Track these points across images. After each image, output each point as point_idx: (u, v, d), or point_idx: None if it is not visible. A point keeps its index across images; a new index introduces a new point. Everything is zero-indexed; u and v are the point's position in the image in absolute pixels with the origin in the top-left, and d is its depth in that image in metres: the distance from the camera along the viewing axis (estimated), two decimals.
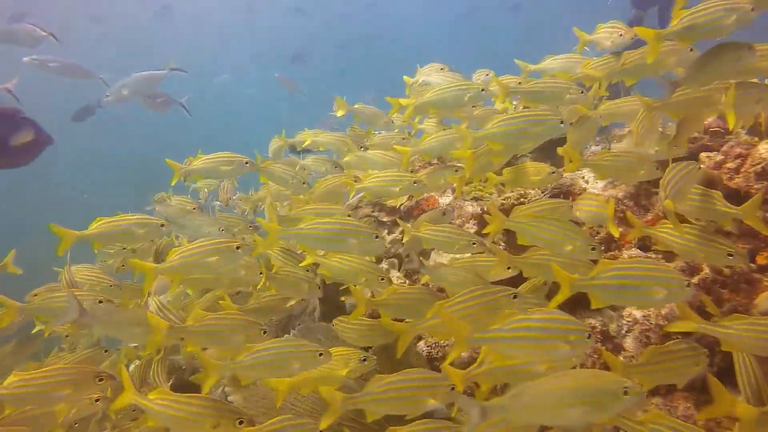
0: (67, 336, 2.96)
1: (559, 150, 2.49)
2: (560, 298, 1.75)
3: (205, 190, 3.82)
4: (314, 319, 3.50)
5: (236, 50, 22.83)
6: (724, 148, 2.74)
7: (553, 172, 2.66)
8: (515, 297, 1.91)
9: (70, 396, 1.98)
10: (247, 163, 2.80)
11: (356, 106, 3.36)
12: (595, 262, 1.92)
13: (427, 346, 2.87)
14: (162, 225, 2.43)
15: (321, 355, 1.94)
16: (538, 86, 2.60)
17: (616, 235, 2.36)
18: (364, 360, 2.22)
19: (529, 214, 2.37)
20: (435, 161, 3.83)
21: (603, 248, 2.41)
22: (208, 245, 2.16)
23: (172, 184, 2.94)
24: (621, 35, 2.60)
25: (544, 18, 21.57)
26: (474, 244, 2.34)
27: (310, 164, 3.13)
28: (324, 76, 19.45)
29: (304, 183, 2.99)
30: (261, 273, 2.55)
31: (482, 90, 2.63)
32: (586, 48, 2.80)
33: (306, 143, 3.12)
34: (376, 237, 2.14)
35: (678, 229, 1.97)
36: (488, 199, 3.59)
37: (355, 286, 2.32)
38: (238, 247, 2.16)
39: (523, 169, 2.70)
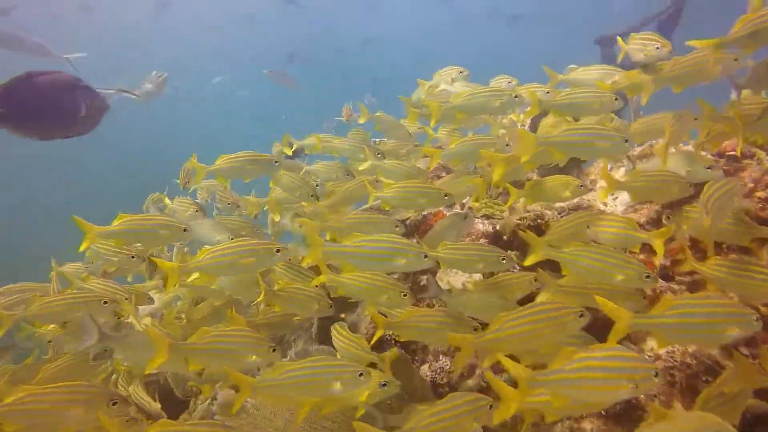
0: (50, 342, 2.76)
1: (594, 173, 2.32)
2: (616, 336, 1.60)
3: (205, 192, 3.60)
4: (311, 335, 3.29)
5: (235, 50, 22.58)
6: (754, 174, 2.59)
7: (582, 186, 2.48)
8: (581, 315, 1.72)
9: (79, 416, 1.81)
10: (276, 162, 2.65)
11: (378, 114, 3.16)
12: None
13: (431, 371, 2.71)
14: (185, 230, 2.32)
15: (362, 375, 1.79)
16: (572, 97, 2.42)
17: (660, 253, 2.16)
18: (384, 385, 2.03)
19: (563, 234, 2.19)
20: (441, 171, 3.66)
21: None
22: (246, 246, 2.03)
23: (198, 183, 2.84)
24: (657, 48, 2.43)
25: (542, 30, 21.62)
26: (504, 260, 2.14)
27: (320, 170, 2.93)
28: (322, 78, 19.30)
29: (312, 194, 2.81)
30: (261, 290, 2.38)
31: (515, 97, 2.45)
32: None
33: (316, 148, 2.93)
34: (425, 256, 1.94)
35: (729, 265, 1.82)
36: (500, 216, 3.40)
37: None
38: (277, 250, 2.04)
39: (548, 182, 2.51)
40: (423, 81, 3.13)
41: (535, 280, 2.22)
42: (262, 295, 2.37)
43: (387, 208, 2.51)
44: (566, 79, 2.71)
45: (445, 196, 2.35)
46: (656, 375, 1.42)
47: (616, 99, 2.37)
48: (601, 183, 2.63)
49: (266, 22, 21.62)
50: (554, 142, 2.22)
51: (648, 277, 1.84)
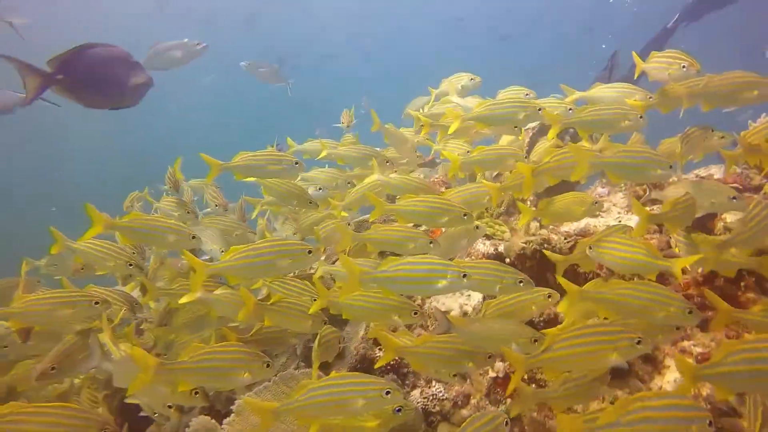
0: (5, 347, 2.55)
1: (635, 208, 2.18)
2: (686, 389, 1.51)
3: (190, 191, 3.37)
4: (295, 353, 3.07)
5: (228, 50, 22.27)
6: None
7: (596, 203, 2.36)
8: (639, 343, 1.60)
9: None
10: (296, 164, 2.48)
11: (387, 126, 2.96)
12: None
13: (423, 398, 2.55)
14: (193, 237, 2.21)
15: (388, 393, 1.66)
16: (598, 114, 2.27)
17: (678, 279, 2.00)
18: (399, 410, 1.84)
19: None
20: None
21: None
22: (280, 246, 1.90)
23: (208, 182, 2.64)
24: (684, 67, 2.29)
25: (530, 50, 21.69)
26: (521, 282, 1.96)
27: (319, 178, 2.71)
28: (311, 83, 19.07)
29: (310, 202, 2.61)
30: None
31: (539, 110, 2.28)
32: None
33: (321, 155, 2.71)
34: (464, 276, 1.76)
35: None
36: (500, 237, 3.22)
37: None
38: (309, 251, 1.91)
39: (562, 200, 2.35)
40: (434, 90, 2.96)
41: (549, 296, 2.09)
42: (244, 311, 2.13)
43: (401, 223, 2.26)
44: (585, 96, 2.55)
45: (464, 215, 2.15)
46: (710, 425, 1.33)
47: (641, 117, 2.24)
48: (635, 217, 2.47)
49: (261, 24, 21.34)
50: (608, 164, 2.09)
51: (690, 312, 1.71)
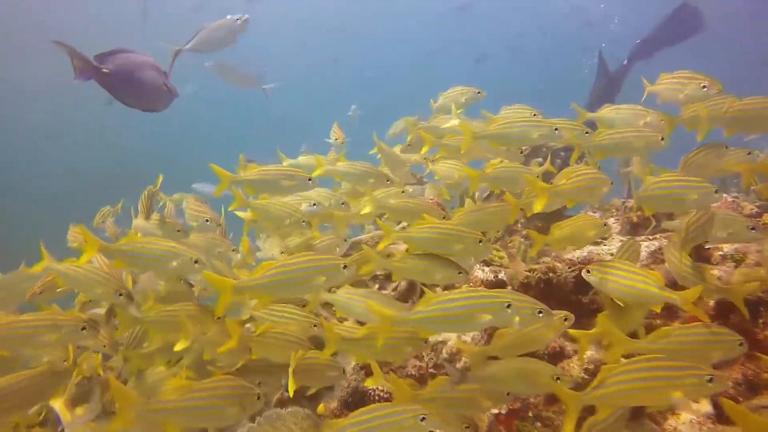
0: None
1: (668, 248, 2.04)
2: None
3: (171, 207, 3.13)
4: (281, 384, 2.83)
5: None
6: None
7: (605, 225, 2.24)
8: (711, 380, 1.46)
9: None
10: (309, 180, 2.35)
11: (381, 146, 2.81)
12: None
13: None
14: (196, 262, 2.00)
15: (423, 419, 1.53)
16: (617, 137, 2.13)
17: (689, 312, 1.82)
18: (423, 419, 1.61)
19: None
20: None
21: None
22: (313, 262, 1.74)
23: (216, 195, 2.40)
24: (704, 87, 2.15)
25: (505, 73, 21.82)
26: (541, 313, 1.76)
27: (312, 197, 2.50)
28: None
29: (303, 221, 2.43)
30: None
31: (555, 129, 2.12)
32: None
33: (317, 173, 2.50)
34: (508, 306, 1.60)
35: None
36: (499, 263, 3.05)
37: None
38: (344, 267, 1.75)
39: (576, 223, 2.20)
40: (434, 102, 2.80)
41: (565, 319, 1.92)
42: (232, 340, 1.98)
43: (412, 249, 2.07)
44: (595, 118, 2.40)
45: (480, 241, 1.96)
46: None
47: (662, 138, 2.10)
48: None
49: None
50: (645, 198, 2.00)
51: (741, 344, 1.65)
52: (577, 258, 2.70)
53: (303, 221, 2.41)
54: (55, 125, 19.85)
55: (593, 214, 4.07)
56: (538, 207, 2.02)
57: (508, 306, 1.58)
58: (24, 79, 17.64)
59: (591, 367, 2.28)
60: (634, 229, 3.78)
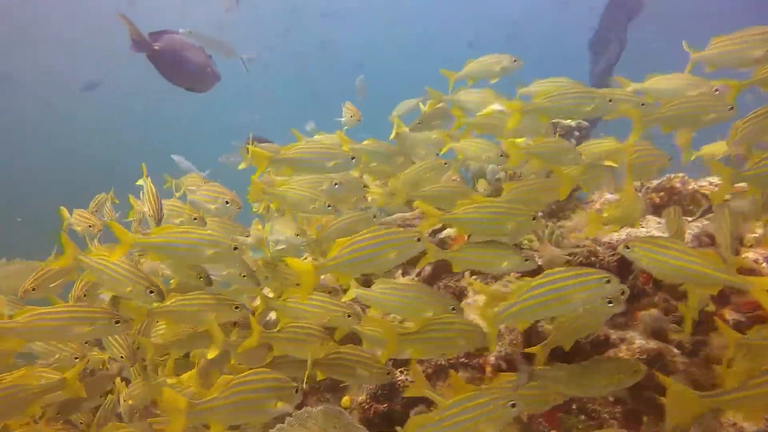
0: None
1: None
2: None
3: (176, 193, 2.90)
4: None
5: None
6: None
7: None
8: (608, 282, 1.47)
9: None
10: (353, 159, 2.21)
11: (400, 124, 2.64)
12: None
13: None
14: (235, 248, 1.87)
15: (514, 406, 1.47)
16: (683, 107, 1.94)
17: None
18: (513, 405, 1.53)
19: None
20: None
21: None
22: (385, 236, 1.66)
23: (256, 178, 2.25)
24: None
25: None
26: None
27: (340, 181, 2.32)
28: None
29: (329, 205, 2.25)
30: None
31: (609, 101, 1.93)
32: None
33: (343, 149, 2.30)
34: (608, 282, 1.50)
35: None
36: (528, 246, 2.87)
37: None
38: (418, 239, 1.68)
39: (627, 202, 2.07)
40: (449, 72, 2.61)
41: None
42: (254, 336, 1.90)
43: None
44: (642, 89, 2.21)
45: (533, 218, 1.80)
46: None
47: (731, 108, 1.91)
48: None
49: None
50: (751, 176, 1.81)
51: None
52: (616, 241, 2.53)
53: (328, 205, 2.23)
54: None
55: (610, 196, 3.90)
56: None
57: (608, 281, 1.45)
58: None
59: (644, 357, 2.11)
60: (657, 211, 3.62)
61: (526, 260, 1.79)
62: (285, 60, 21.13)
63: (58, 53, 18.51)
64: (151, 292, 1.87)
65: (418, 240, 1.66)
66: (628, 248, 1.65)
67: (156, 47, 2.45)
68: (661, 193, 3.54)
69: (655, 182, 3.58)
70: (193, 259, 1.92)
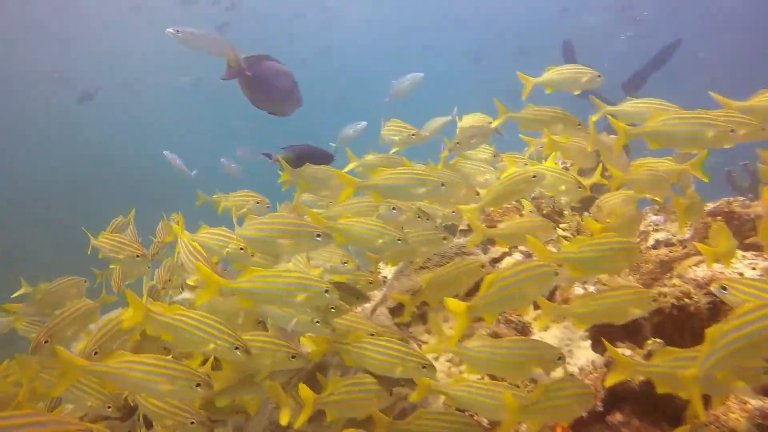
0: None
1: None
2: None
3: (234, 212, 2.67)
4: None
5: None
6: None
7: None
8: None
9: None
10: (443, 185, 2.14)
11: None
12: None
13: None
14: (327, 291, 1.76)
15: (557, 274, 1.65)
16: None
17: None
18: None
19: None
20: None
21: None
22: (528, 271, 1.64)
23: (341, 201, 2.25)
24: None
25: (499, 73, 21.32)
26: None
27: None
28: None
29: (399, 239, 2.10)
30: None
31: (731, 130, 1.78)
32: None
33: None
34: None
35: None
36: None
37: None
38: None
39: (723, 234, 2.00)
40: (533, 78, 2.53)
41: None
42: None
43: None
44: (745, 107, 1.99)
45: None
46: None
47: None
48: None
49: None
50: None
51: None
52: (702, 278, 2.28)
53: (398, 239, 2.06)
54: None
55: (656, 217, 3.68)
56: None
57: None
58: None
59: None
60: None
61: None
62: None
63: (58, 53, 18.37)
64: (237, 348, 1.64)
65: (556, 274, 1.64)
66: (723, 289, 1.52)
67: (248, 73, 2.48)
68: (719, 218, 3.29)
69: (711, 205, 3.34)
70: (285, 304, 1.84)
